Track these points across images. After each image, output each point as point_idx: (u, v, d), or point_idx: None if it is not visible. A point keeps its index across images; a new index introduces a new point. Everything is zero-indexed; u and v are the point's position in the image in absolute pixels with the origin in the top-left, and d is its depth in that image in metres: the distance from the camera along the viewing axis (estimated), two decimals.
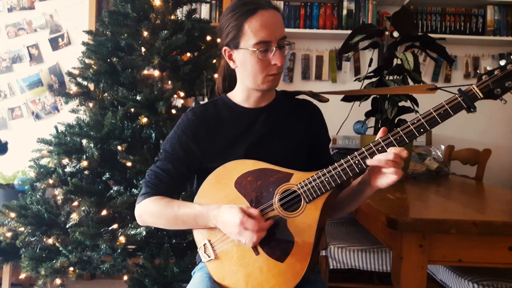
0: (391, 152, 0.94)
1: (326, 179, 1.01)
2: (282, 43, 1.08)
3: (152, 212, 1.10)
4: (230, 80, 1.22)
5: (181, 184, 1.19)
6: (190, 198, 1.18)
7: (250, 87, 1.13)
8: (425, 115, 0.95)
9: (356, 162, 0.99)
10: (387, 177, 0.96)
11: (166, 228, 1.14)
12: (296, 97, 1.28)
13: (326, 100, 1.38)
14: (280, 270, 1.01)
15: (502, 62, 0.93)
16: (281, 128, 1.17)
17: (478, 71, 3.20)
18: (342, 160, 1.00)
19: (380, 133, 0.99)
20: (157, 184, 1.12)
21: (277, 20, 1.07)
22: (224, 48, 1.12)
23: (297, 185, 1.03)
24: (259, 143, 1.14)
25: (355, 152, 0.99)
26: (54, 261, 1.86)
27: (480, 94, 0.93)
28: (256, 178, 1.06)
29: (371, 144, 0.98)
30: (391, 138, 0.96)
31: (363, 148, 0.99)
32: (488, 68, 0.94)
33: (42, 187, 2.03)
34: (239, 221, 0.97)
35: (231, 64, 1.13)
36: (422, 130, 0.95)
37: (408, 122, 0.96)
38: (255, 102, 1.17)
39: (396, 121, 2.14)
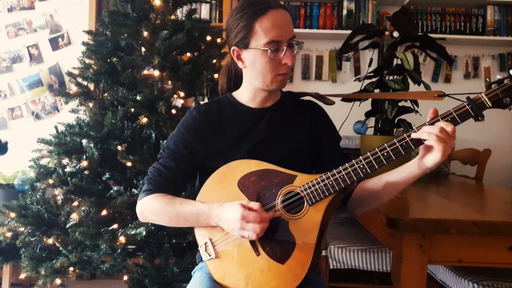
0: (438, 125, 0.90)
1: (330, 182, 1.01)
2: (292, 42, 1.08)
3: (154, 209, 1.10)
4: (236, 80, 1.22)
5: (183, 182, 1.18)
6: (190, 198, 1.18)
7: (258, 87, 1.13)
8: (431, 122, 0.94)
9: (361, 166, 0.98)
10: (433, 154, 0.93)
11: (167, 225, 1.14)
12: (301, 98, 1.28)
13: (332, 103, 1.38)
14: (281, 272, 1.01)
15: None
16: (285, 128, 1.17)
17: (478, 71, 3.20)
18: (346, 164, 1.00)
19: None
20: (159, 181, 1.12)
21: (287, 19, 1.07)
22: (233, 48, 1.11)
23: (300, 187, 1.03)
24: (263, 143, 1.14)
25: (360, 157, 0.99)
26: (54, 261, 1.86)
27: (489, 103, 0.92)
28: (260, 178, 1.06)
29: (376, 149, 0.98)
30: (397, 144, 0.96)
31: (368, 153, 0.98)
32: (498, 77, 0.93)
33: (42, 187, 2.03)
34: (240, 216, 0.96)
35: (240, 64, 1.13)
36: None
37: (415, 128, 0.95)
38: (261, 102, 1.17)
39: (396, 121, 2.14)
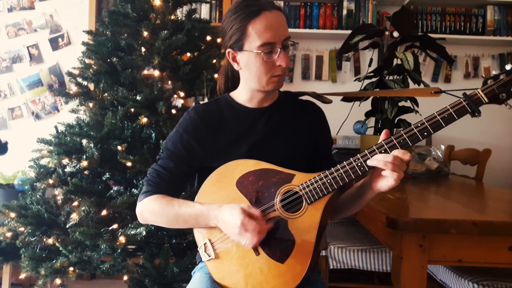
0: (392, 154, 0.94)
1: (328, 181, 1.01)
2: (286, 43, 1.08)
3: (153, 210, 1.10)
4: (233, 81, 1.22)
5: (182, 182, 1.18)
6: (190, 198, 1.18)
7: (255, 88, 1.13)
8: (429, 118, 0.95)
9: (359, 164, 0.98)
10: (387, 180, 0.96)
11: (167, 226, 1.14)
12: (299, 97, 1.28)
13: (330, 102, 1.38)
14: (280, 271, 1.01)
15: (508, 67, 0.91)
16: (283, 128, 1.17)
17: (478, 71, 3.20)
18: (344, 162, 1.00)
19: (382, 136, 0.98)
20: (158, 182, 1.12)
21: (281, 20, 1.07)
22: (228, 50, 1.11)
23: (299, 186, 1.03)
24: (261, 143, 1.13)
25: (358, 155, 0.99)
26: (54, 261, 1.86)
27: (485, 99, 0.92)
28: (258, 178, 1.06)
29: (374, 146, 0.98)
30: (395, 141, 0.96)
31: (366, 151, 0.98)
32: (494, 72, 0.93)
33: (42, 187, 2.03)
34: (240, 222, 0.96)
35: (235, 66, 1.13)
36: (426, 133, 0.95)
37: (412, 126, 0.96)
38: (258, 102, 1.17)
39: (396, 121, 2.14)
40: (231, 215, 0.98)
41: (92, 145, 1.95)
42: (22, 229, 1.95)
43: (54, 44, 3.13)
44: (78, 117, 2.06)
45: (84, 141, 2.00)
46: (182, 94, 2.05)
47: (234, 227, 0.97)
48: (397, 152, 0.94)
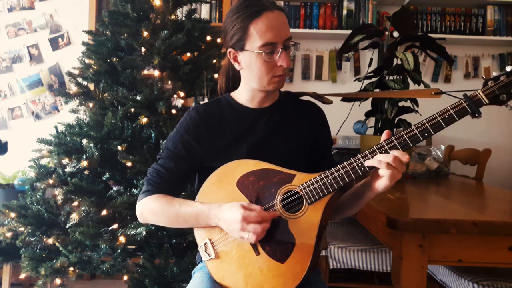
0: (391, 154, 0.94)
1: (329, 181, 1.01)
2: (288, 44, 1.08)
3: (153, 210, 1.10)
4: (234, 80, 1.22)
5: (182, 182, 1.18)
6: (190, 198, 1.18)
7: (256, 88, 1.13)
8: (429, 119, 0.95)
9: (359, 164, 0.98)
10: (382, 180, 0.96)
11: (167, 226, 1.14)
12: (300, 98, 1.28)
13: (330, 102, 1.38)
14: (281, 271, 1.01)
15: (508, 68, 0.91)
16: (284, 128, 1.17)
17: (478, 71, 3.20)
18: (345, 163, 1.00)
19: (384, 136, 0.98)
20: (158, 182, 1.12)
21: (282, 21, 1.07)
22: (229, 50, 1.11)
23: (299, 186, 1.03)
24: (261, 143, 1.14)
25: (359, 155, 0.99)
26: (54, 261, 1.86)
27: (486, 100, 0.92)
28: (259, 178, 1.06)
29: (374, 147, 0.98)
30: (395, 141, 0.96)
31: (366, 151, 0.98)
32: (494, 73, 0.94)
33: (42, 187, 2.03)
34: (241, 217, 0.96)
35: (236, 65, 1.13)
36: (426, 134, 0.95)
37: (413, 126, 0.96)
38: (259, 102, 1.17)
39: (396, 121, 2.14)
40: (231, 212, 0.99)
41: (92, 145, 1.95)
42: (22, 229, 1.95)
43: (54, 44, 3.13)
44: (78, 117, 2.06)
45: (84, 141, 2.00)
46: (182, 94, 2.05)
47: (235, 222, 0.97)
48: (396, 153, 0.94)
